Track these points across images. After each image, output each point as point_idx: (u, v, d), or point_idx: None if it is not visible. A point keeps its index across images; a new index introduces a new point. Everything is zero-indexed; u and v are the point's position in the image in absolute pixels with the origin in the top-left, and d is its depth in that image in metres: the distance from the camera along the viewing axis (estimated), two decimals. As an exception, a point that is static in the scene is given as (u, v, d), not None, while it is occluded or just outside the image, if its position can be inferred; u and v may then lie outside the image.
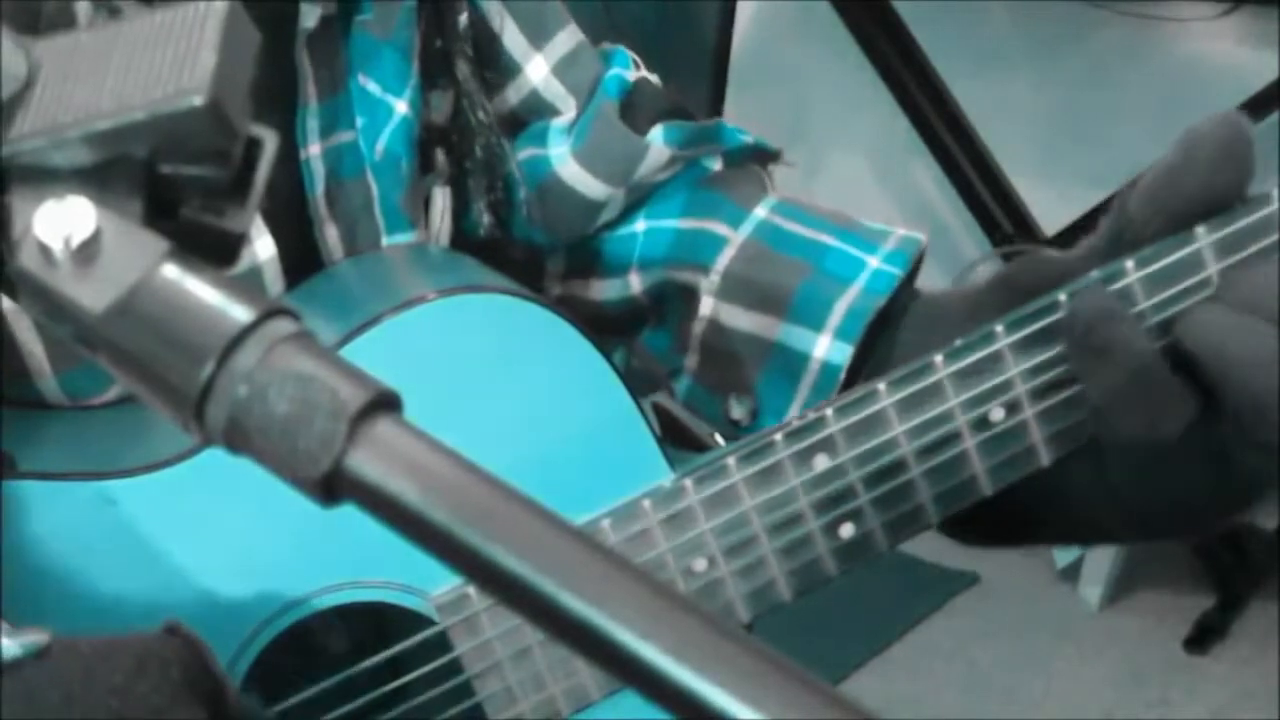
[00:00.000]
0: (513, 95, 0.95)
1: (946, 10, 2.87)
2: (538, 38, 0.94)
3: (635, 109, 0.94)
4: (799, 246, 0.89)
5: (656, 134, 0.92)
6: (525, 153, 0.95)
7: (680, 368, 0.94)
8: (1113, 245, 0.71)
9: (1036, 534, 0.79)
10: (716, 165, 0.96)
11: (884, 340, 0.85)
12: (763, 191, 0.95)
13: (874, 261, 0.86)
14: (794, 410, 0.87)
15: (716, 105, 2.74)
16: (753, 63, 3.08)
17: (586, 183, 0.93)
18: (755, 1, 3.06)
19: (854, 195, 3.13)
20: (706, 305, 0.91)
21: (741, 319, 0.89)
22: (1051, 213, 2.81)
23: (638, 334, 0.99)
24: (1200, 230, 0.68)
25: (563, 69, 0.95)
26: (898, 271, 0.86)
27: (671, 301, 0.94)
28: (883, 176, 3.15)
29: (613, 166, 0.93)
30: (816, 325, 0.86)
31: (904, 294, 0.86)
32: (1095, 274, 0.70)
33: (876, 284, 0.85)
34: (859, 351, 0.85)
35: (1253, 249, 0.68)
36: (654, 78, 0.97)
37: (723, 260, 0.91)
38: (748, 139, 0.97)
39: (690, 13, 2.73)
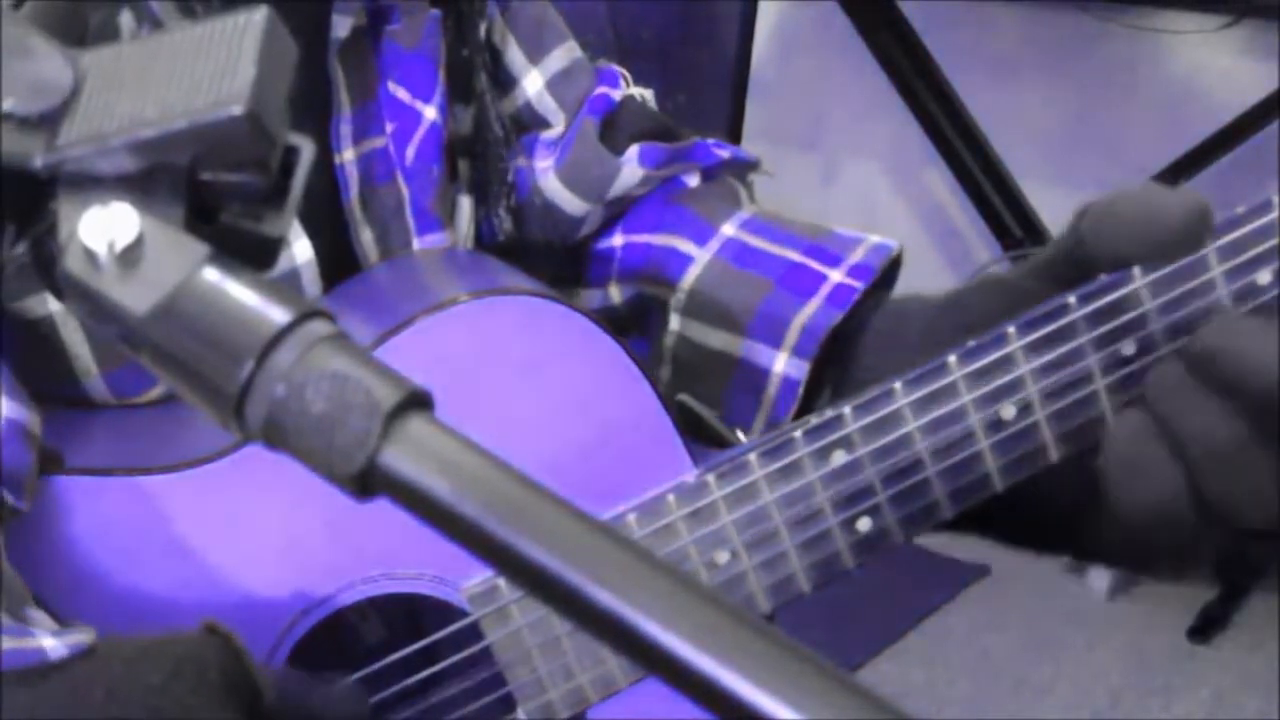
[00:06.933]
0: (509, 107, 0.97)
1: (959, 22, 2.88)
2: (535, 52, 0.97)
3: (616, 128, 0.96)
4: (762, 263, 0.90)
5: (632, 154, 0.94)
6: (514, 163, 0.97)
7: (657, 378, 0.96)
8: (1071, 265, 0.73)
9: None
10: (694, 181, 0.98)
11: (846, 354, 0.85)
12: (735, 206, 0.96)
13: (836, 275, 0.87)
14: (758, 421, 0.88)
15: (737, 115, 2.76)
16: (771, 73, 3.09)
17: (565, 198, 0.95)
18: (775, 3, 3.08)
19: (869, 201, 3.15)
20: (674, 321, 0.93)
21: (708, 335, 0.91)
22: (1060, 217, 2.79)
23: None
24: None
25: (556, 84, 0.97)
26: (859, 285, 0.86)
27: (648, 314, 0.96)
28: (897, 183, 3.16)
29: (589, 184, 0.95)
30: (775, 342, 0.87)
31: (867, 306, 0.86)
32: (1104, 277, 0.71)
33: (835, 300, 0.86)
34: (819, 365, 0.85)
35: (1255, 252, 0.70)
36: (648, 93, 0.99)
37: (688, 278, 0.92)
38: (724, 154, 0.98)
39: (712, 26, 2.74)
